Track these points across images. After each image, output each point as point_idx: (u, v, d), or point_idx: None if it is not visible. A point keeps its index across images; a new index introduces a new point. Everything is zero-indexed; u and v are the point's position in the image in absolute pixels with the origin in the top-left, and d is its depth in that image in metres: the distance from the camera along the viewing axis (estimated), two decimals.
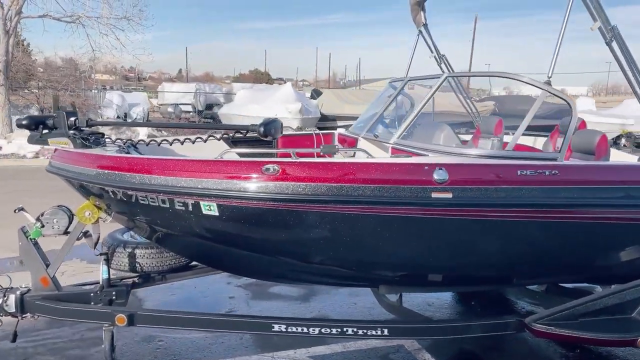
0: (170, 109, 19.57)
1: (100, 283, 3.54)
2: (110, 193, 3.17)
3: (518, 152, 3.09)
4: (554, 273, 3.49)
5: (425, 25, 5.09)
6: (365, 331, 3.29)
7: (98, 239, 3.80)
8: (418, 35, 5.18)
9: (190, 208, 3.01)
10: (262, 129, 3.00)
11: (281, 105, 12.54)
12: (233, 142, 4.42)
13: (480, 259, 3.24)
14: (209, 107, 20.94)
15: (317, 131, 4.82)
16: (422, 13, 5.01)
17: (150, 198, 3.06)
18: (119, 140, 3.71)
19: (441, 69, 5.34)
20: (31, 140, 3.39)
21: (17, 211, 3.55)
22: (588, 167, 3.32)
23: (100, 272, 3.63)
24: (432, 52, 5.27)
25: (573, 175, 3.11)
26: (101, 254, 3.70)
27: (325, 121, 14.19)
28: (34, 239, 3.52)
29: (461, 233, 3.08)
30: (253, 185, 2.90)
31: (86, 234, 3.71)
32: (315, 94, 14.60)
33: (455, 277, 3.46)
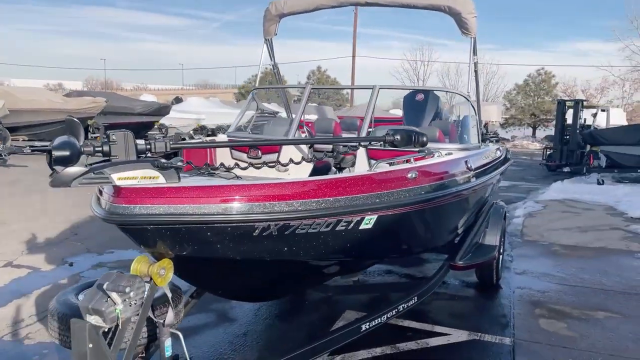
0: None
1: None
2: (259, 229, 2.57)
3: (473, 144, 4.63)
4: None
5: (274, 35, 5.52)
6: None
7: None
8: (265, 43, 5.54)
9: (350, 226, 2.90)
10: (424, 139, 3.10)
11: None
12: None
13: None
14: None
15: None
16: (277, 24, 5.41)
17: (315, 224, 2.75)
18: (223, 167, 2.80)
19: (274, 74, 5.90)
20: (69, 181, 2.20)
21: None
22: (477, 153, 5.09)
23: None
24: (271, 60, 5.73)
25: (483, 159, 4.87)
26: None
27: None
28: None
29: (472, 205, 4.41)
30: (408, 193, 3.17)
31: None
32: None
33: None
